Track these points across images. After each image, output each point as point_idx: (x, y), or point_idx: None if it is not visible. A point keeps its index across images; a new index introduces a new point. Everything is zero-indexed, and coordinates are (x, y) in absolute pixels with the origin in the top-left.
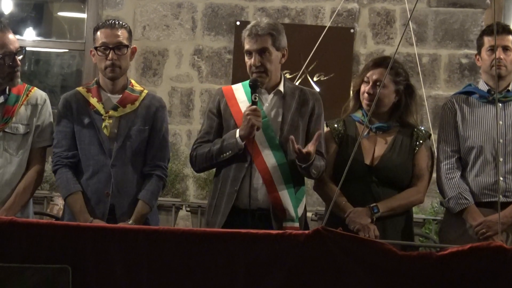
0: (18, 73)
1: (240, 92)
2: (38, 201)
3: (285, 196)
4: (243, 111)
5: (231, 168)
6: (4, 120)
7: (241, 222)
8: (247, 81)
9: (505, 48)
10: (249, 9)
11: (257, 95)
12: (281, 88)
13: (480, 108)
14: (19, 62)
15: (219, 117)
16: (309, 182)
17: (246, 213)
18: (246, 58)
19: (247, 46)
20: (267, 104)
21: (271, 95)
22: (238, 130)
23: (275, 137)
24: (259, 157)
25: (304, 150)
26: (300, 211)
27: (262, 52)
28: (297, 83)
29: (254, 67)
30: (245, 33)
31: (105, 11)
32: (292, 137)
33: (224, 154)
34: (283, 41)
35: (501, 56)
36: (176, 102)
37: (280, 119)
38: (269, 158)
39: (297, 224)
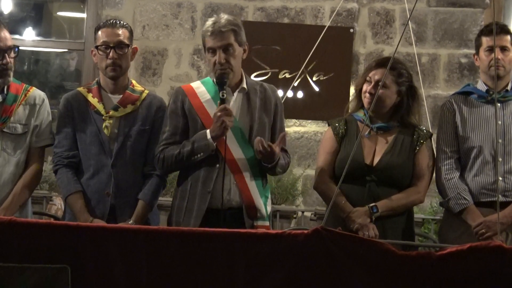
0: (10, 72)
1: (202, 90)
2: (37, 201)
3: (256, 195)
4: (208, 110)
5: (201, 169)
6: (2, 120)
7: (214, 222)
8: (206, 79)
9: (503, 48)
10: (248, 8)
11: (224, 92)
12: (244, 85)
13: (479, 108)
14: (9, 60)
15: (184, 117)
16: (308, 182)
17: (218, 213)
18: (209, 56)
19: (210, 44)
20: (232, 103)
21: (236, 93)
22: (208, 131)
23: (245, 135)
24: (230, 157)
25: (270, 149)
26: (268, 208)
27: (226, 48)
28: (296, 83)
29: (219, 64)
30: (206, 31)
31: (104, 11)
32: (260, 138)
33: (196, 156)
34: (244, 36)
35: (499, 57)
36: None
37: (247, 117)
38: (240, 157)
39: (267, 223)
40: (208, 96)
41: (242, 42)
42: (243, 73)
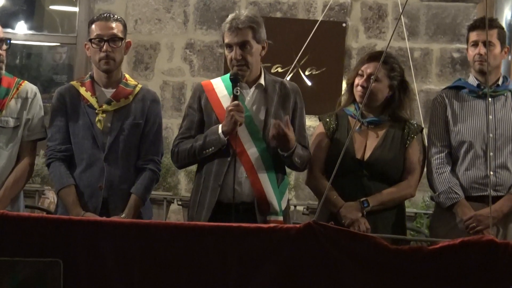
0: (1, 64)
1: (220, 87)
2: (30, 194)
3: (269, 189)
4: (224, 105)
5: (213, 163)
6: None
7: (225, 216)
8: (227, 75)
9: (488, 43)
10: (241, 3)
11: (238, 88)
12: (261, 81)
13: (470, 103)
14: (1, 52)
15: (200, 112)
16: (301, 176)
17: (230, 207)
18: (226, 52)
19: (227, 40)
20: (248, 98)
21: (253, 89)
22: (220, 126)
23: (259, 131)
24: (242, 151)
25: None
26: (283, 204)
27: (243, 45)
28: (288, 77)
29: (235, 60)
30: (224, 26)
31: (96, 5)
32: (278, 120)
33: (207, 150)
34: (263, 33)
35: (481, 52)
36: (168, 96)
37: (262, 113)
38: (253, 152)
39: (281, 218)
40: (225, 92)
41: (260, 40)
42: (262, 69)
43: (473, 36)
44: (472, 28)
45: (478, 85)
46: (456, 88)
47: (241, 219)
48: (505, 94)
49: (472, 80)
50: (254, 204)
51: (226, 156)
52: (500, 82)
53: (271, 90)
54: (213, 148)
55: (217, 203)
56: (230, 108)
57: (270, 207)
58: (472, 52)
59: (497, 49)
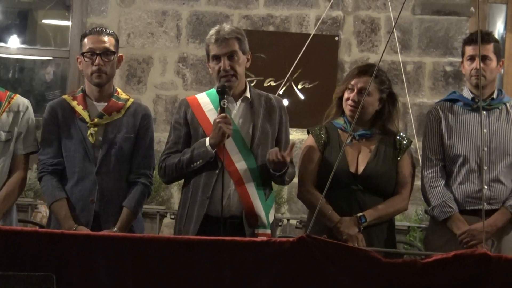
0: None
1: (206, 101)
2: (23, 208)
3: (257, 202)
4: (210, 119)
5: (201, 176)
6: None
7: (213, 229)
8: (211, 90)
9: (485, 58)
10: (233, 17)
11: (225, 101)
12: (247, 94)
13: (464, 116)
14: None
15: (187, 126)
16: (293, 190)
17: (218, 220)
18: (213, 64)
19: (214, 52)
20: (235, 112)
21: (239, 102)
22: (207, 139)
23: (246, 144)
24: (230, 164)
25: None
26: (271, 217)
27: (231, 55)
28: (281, 91)
29: (224, 71)
30: (210, 39)
31: (89, 19)
32: (276, 148)
33: (195, 163)
34: (247, 45)
35: (477, 66)
36: (161, 109)
37: (249, 126)
38: (241, 165)
39: (269, 231)
40: (211, 106)
41: (245, 51)
42: (246, 82)
43: (469, 50)
44: (468, 42)
45: (473, 99)
46: (450, 101)
47: (229, 232)
48: (500, 107)
49: (467, 93)
50: (242, 217)
51: (214, 169)
52: (495, 96)
53: (257, 104)
54: (201, 161)
55: (205, 216)
56: (217, 120)
57: (258, 220)
58: (468, 67)
59: (494, 63)
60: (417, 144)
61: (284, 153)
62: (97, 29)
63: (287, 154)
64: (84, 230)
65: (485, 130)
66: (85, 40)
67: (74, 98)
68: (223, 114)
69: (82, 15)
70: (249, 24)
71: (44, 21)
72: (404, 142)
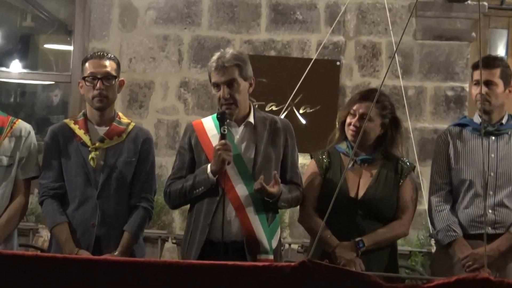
0: None
1: (210, 126)
2: (24, 233)
3: (259, 228)
4: (213, 144)
5: (203, 202)
6: None
7: (214, 255)
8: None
9: (489, 83)
10: (235, 41)
11: (226, 127)
12: (251, 119)
13: (473, 141)
14: None
15: (191, 152)
16: (295, 214)
17: (220, 246)
18: (214, 91)
19: (214, 79)
20: (237, 137)
21: (242, 127)
22: (209, 165)
23: (248, 169)
24: (231, 190)
25: (269, 190)
26: (274, 243)
27: (230, 84)
28: (283, 116)
29: (223, 99)
30: (211, 66)
31: (91, 44)
32: (262, 177)
33: (197, 190)
34: (250, 70)
35: (484, 91)
36: (162, 134)
37: (252, 151)
38: (242, 190)
39: (271, 257)
40: (215, 131)
41: (247, 77)
42: (251, 106)
43: (475, 75)
44: (475, 67)
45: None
46: (460, 126)
47: (230, 258)
48: (509, 133)
49: (477, 118)
50: (243, 243)
51: (216, 195)
52: (504, 121)
53: (261, 128)
54: (202, 188)
55: (206, 241)
56: (217, 147)
57: (260, 246)
58: (474, 91)
59: (500, 88)
60: (418, 169)
61: (269, 184)
62: (98, 53)
63: (271, 184)
64: (85, 254)
65: (492, 155)
66: (87, 64)
67: (76, 122)
68: (222, 141)
69: (84, 39)
70: (251, 48)
71: (46, 45)
72: (406, 166)
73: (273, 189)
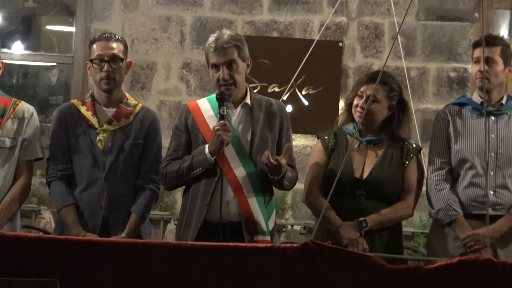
0: None
1: (206, 107)
2: (26, 214)
3: (256, 209)
4: (210, 125)
5: (200, 183)
6: None
7: (212, 236)
8: (212, 96)
9: (489, 60)
10: (237, 22)
11: (225, 108)
12: (247, 100)
13: (472, 121)
14: None
15: (187, 133)
16: (297, 196)
17: (217, 227)
18: (213, 72)
19: (213, 60)
20: (234, 118)
21: (239, 109)
22: (207, 146)
23: (245, 150)
24: (229, 171)
25: (277, 163)
26: (271, 224)
27: (229, 64)
28: (285, 97)
29: (223, 80)
30: (209, 47)
31: (93, 25)
32: (267, 152)
33: (195, 171)
34: (247, 51)
35: (481, 69)
36: (165, 115)
37: (249, 132)
38: (240, 171)
39: (268, 237)
40: (211, 112)
41: (245, 58)
42: (248, 88)
43: (476, 53)
44: (475, 45)
45: (482, 103)
46: (459, 105)
47: (228, 238)
48: (509, 113)
49: (476, 97)
50: (241, 224)
51: (213, 176)
52: (504, 101)
53: (257, 110)
54: (200, 168)
55: (204, 222)
56: (216, 127)
57: (257, 226)
58: (474, 69)
59: (499, 66)
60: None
61: (279, 157)
62: (106, 35)
63: (282, 157)
64: (90, 237)
65: (493, 135)
66: (94, 46)
67: (83, 103)
68: (222, 122)
69: (86, 21)
70: (253, 30)
71: (48, 27)
72: (412, 148)
73: (283, 160)
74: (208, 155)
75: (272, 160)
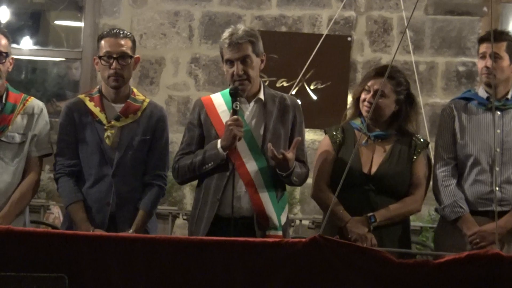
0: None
1: (220, 102)
2: (35, 209)
3: (268, 204)
4: (223, 120)
5: (213, 177)
6: (0, 129)
7: (224, 230)
8: (226, 90)
9: (494, 56)
10: (246, 17)
11: (238, 103)
12: (261, 96)
13: (478, 116)
14: None
15: (200, 127)
16: (306, 190)
17: (229, 221)
18: (227, 67)
19: (227, 56)
20: (247, 113)
21: (252, 104)
22: (219, 141)
23: (258, 145)
24: (241, 166)
25: (282, 156)
26: (283, 219)
27: (244, 60)
28: (294, 92)
29: (237, 75)
30: (223, 42)
31: (102, 20)
32: (270, 144)
33: (207, 165)
34: (261, 46)
35: (488, 64)
36: (173, 110)
37: (261, 127)
38: (252, 166)
39: (280, 232)
40: (224, 107)
41: (259, 53)
42: (261, 83)
43: (482, 48)
44: (481, 40)
45: (488, 98)
46: (465, 99)
47: (239, 233)
48: None
49: (482, 92)
50: (253, 219)
51: (225, 171)
52: (509, 96)
53: (270, 105)
54: (212, 163)
55: (215, 217)
56: (229, 122)
57: (269, 221)
58: (480, 65)
59: (505, 62)
60: (430, 145)
61: (286, 151)
62: (114, 31)
63: (290, 150)
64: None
65: (498, 131)
66: (102, 42)
67: (91, 99)
68: (234, 117)
69: (94, 16)
70: (262, 24)
71: (57, 22)
72: (420, 143)
73: (290, 154)
74: (220, 150)
75: (276, 153)
